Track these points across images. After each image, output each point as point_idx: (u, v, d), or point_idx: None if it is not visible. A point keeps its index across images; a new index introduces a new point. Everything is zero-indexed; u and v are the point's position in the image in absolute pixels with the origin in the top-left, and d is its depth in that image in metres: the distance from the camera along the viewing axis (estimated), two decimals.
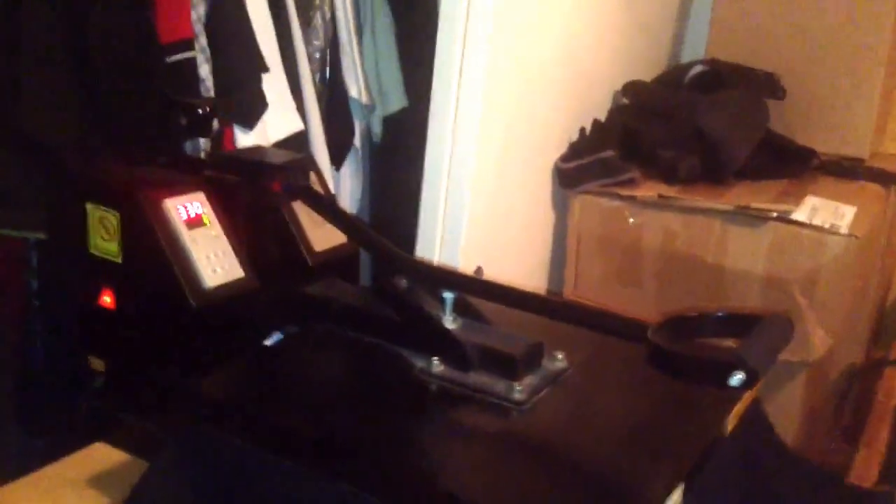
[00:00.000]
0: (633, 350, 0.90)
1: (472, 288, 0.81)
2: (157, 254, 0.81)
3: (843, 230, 1.34)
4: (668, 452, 0.70)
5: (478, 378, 0.76)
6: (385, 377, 0.80)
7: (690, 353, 0.65)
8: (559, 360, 0.80)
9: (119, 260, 0.84)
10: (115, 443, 0.90)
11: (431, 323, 0.79)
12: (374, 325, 0.84)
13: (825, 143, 1.71)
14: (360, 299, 0.88)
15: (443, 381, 0.76)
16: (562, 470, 0.67)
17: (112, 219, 0.84)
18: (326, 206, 0.92)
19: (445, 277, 0.84)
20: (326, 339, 0.86)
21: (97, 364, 0.89)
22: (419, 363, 0.78)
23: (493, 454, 0.68)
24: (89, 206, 0.85)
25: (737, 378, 0.62)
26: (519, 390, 0.74)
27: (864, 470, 1.28)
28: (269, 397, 0.76)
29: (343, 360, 0.85)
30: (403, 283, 0.80)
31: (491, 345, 0.77)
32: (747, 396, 0.80)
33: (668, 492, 0.66)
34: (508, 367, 0.75)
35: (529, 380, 0.76)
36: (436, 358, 0.78)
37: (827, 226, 1.34)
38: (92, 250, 0.86)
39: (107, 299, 0.86)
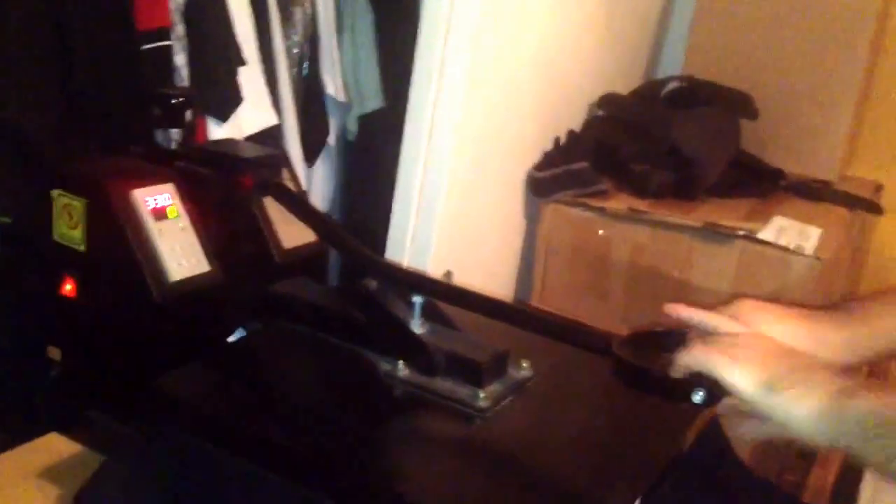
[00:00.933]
0: (598, 361, 0.90)
1: (440, 292, 0.81)
2: (121, 244, 0.80)
3: (808, 251, 1.35)
4: (628, 466, 0.70)
5: (443, 384, 0.76)
6: (350, 380, 0.80)
7: (654, 368, 0.66)
8: (524, 368, 0.80)
9: (83, 248, 0.83)
10: (70, 434, 0.88)
11: (398, 326, 0.78)
12: (341, 326, 0.83)
13: (795, 165, 1.73)
14: (327, 299, 0.88)
15: (408, 386, 0.76)
16: (521, 481, 0.67)
17: (77, 206, 0.82)
18: (297, 203, 0.92)
19: (414, 280, 0.84)
20: (291, 339, 0.85)
21: (55, 353, 0.88)
22: (385, 366, 0.78)
23: (454, 463, 0.68)
24: (55, 193, 0.84)
25: (699, 395, 0.63)
26: (483, 398, 0.74)
27: (817, 490, 1.29)
28: (230, 398, 0.75)
29: (308, 362, 0.84)
30: (373, 284, 0.79)
31: (457, 351, 0.77)
32: (707, 413, 0.81)
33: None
34: (473, 374, 0.75)
35: (494, 387, 0.76)
36: (401, 362, 0.77)
37: (792, 246, 1.36)
38: (55, 237, 0.85)
39: (68, 288, 0.85)
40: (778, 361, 0.64)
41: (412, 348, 0.77)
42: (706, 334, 0.70)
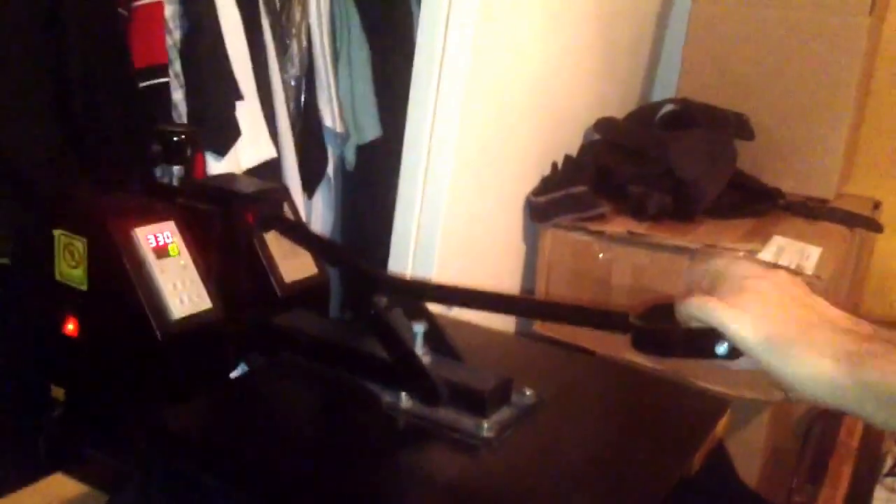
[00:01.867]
0: (601, 387, 0.90)
1: (451, 297, 0.81)
2: (123, 282, 0.80)
3: (809, 271, 1.35)
4: (634, 492, 0.70)
5: (446, 414, 0.75)
6: (352, 412, 0.79)
7: (675, 328, 0.64)
8: (528, 396, 0.80)
9: (84, 287, 0.83)
10: (75, 474, 0.88)
11: (403, 350, 0.78)
12: (343, 357, 0.83)
13: (793, 184, 1.74)
14: (328, 331, 0.88)
15: (411, 417, 0.76)
16: None
17: (79, 245, 0.83)
18: (299, 231, 0.92)
19: (424, 290, 0.84)
20: (293, 371, 0.85)
21: (58, 393, 0.88)
22: (387, 398, 0.78)
23: (459, 494, 0.68)
24: (56, 232, 0.84)
25: (723, 347, 0.61)
26: (487, 427, 0.73)
27: None
28: (234, 432, 0.75)
29: (310, 394, 0.84)
30: (383, 302, 0.79)
31: (460, 380, 0.77)
32: (712, 437, 0.80)
33: None
34: (477, 403, 0.75)
35: (498, 416, 0.75)
36: (404, 393, 0.77)
37: (793, 266, 1.36)
38: (57, 277, 0.85)
39: (70, 327, 0.85)
40: (784, 312, 0.58)
41: (415, 376, 0.77)
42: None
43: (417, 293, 0.83)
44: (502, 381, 0.78)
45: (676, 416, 0.84)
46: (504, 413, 0.76)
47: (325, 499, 0.65)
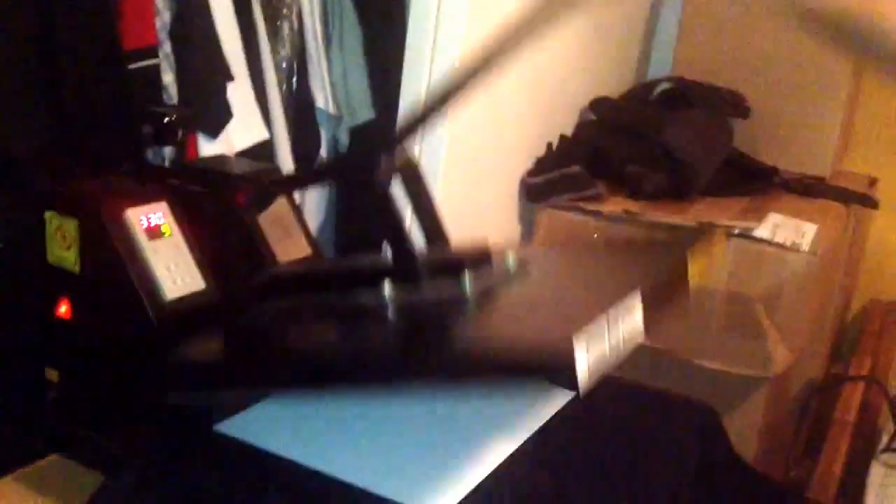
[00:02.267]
0: (587, 249, 0.92)
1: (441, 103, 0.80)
2: (115, 264, 0.79)
3: (804, 248, 1.35)
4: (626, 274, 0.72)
5: (430, 288, 0.74)
6: (340, 319, 0.78)
7: None
8: (510, 258, 0.79)
9: (77, 269, 0.83)
10: (71, 456, 0.88)
11: (395, 221, 0.76)
12: (320, 278, 0.82)
13: (789, 161, 1.73)
14: (301, 266, 0.88)
15: (396, 304, 0.74)
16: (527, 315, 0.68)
17: (70, 227, 0.82)
18: (294, 180, 0.91)
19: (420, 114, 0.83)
20: (277, 308, 0.84)
21: (52, 375, 0.87)
22: (370, 296, 0.75)
23: (449, 348, 0.68)
24: (48, 215, 0.84)
25: None
26: (470, 287, 0.72)
27: (824, 485, 1.29)
28: (241, 355, 0.75)
29: (300, 318, 0.82)
30: (386, 172, 0.77)
31: (442, 254, 0.78)
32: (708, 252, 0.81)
33: (622, 294, 0.66)
34: (457, 267, 0.73)
35: (480, 279, 0.74)
36: (387, 282, 0.75)
37: (788, 243, 1.36)
38: (49, 259, 0.84)
39: (63, 309, 0.85)
40: None
41: (401, 253, 0.75)
42: None
43: (417, 121, 0.81)
44: (482, 248, 0.77)
45: (657, 251, 0.85)
46: (487, 275, 0.75)
47: (337, 370, 0.66)
